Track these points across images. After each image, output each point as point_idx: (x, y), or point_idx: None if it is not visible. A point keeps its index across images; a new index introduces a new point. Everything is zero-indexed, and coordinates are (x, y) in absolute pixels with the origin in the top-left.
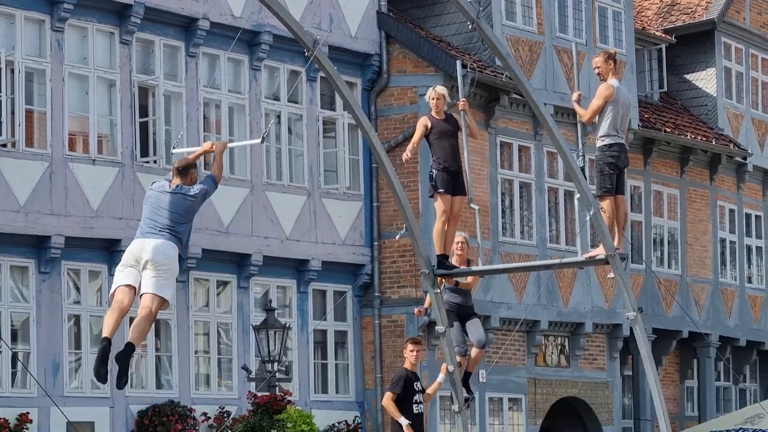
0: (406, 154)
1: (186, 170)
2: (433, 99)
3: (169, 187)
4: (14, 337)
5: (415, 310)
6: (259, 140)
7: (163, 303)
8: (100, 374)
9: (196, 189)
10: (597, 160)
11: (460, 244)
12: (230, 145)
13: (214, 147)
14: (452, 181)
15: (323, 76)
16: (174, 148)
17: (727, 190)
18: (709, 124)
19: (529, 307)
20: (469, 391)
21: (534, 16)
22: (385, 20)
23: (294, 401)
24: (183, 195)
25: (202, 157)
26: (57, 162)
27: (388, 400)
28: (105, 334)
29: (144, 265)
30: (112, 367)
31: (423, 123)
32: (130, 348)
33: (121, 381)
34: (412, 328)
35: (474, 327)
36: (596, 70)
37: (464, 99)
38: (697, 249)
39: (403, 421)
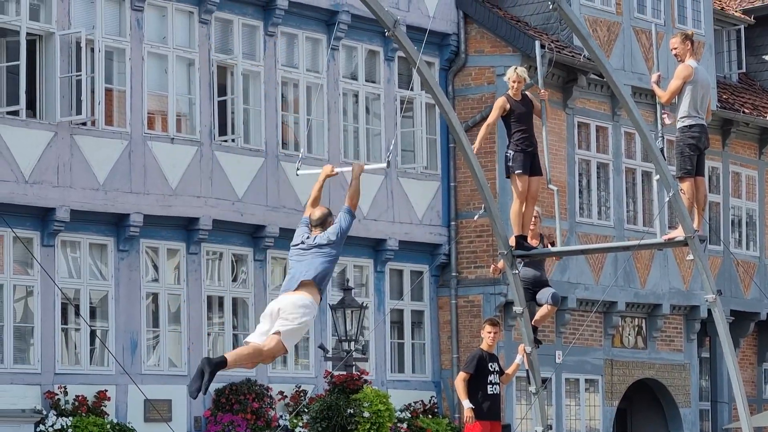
0: (476, 145)
1: (324, 223)
2: (513, 81)
3: (307, 236)
4: (93, 315)
5: (491, 267)
6: (384, 164)
7: (281, 347)
8: (192, 390)
9: (331, 234)
10: (677, 141)
11: (533, 219)
12: (368, 167)
13: (334, 171)
14: (529, 162)
15: (401, 55)
16: (298, 169)
17: None
18: None
19: (607, 289)
20: (537, 340)
21: None
22: (463, 0)
23: (370, 381)
24: (317, 251)
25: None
26: (136, 141)
27: (460, 380)
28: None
29: (276, 315)
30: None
31: (501, 105)
32: (221, 361)
33: (196, 389)
34: (488, 308)
35: (546, 289)
36: (674, 51)
37: (545, 90)
38: None
39: (466, 404)
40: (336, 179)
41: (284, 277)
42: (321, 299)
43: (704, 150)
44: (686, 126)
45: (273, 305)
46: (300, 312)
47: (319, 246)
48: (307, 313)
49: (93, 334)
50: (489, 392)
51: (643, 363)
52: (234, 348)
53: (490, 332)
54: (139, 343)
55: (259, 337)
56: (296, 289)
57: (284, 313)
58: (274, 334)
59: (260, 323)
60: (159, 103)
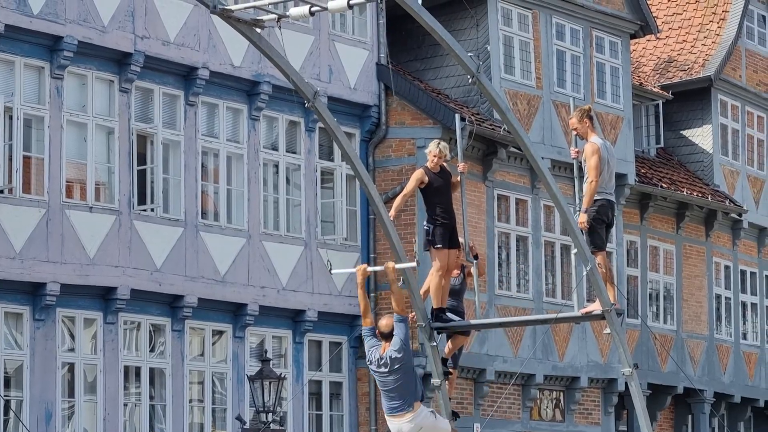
0: (392, 213)
1: (390, 335)
2: (434, 156)
3: (379, 356)
4: (7, 384)
5: (410, 316)
6: (414, 263)
7: None
8: None
9: (396, 352)
10: (588, 216)
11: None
12: (398, 266)
13: (368, 270)
14: (448, 235)
15: (322, 126)
16: (331, 268)
17: (722, 246)
18: (705, 180)
19: (525, 361)
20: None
21: (533, 70)
22: (384, 72)
23: None
24: (393, 370)
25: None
26: (54, 209)
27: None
28: None
29: None
30: None
31: (418, 177)
32: None
33: None
34: None
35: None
36: (574, 132)
37: (465, 163)
38: (693, 305)
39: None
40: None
41: (202, 347)
42: (423, 398)
43: (612, 224)
44: (594, 201)
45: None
46: (430, 420)
47: (393, 367)
48: (428, 424)
49: (7, 404)
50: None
51: None
52: (151, 419)
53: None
54: (54, 413)
55: None
56: (401, 413)
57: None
58: None
59: None
60: (78, 171)
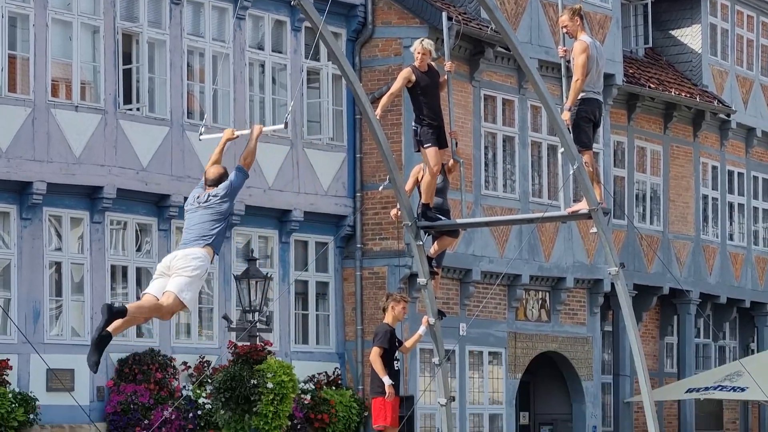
0: (378, 111)
1: (218, 183)
2: (419, 53)
3: (198, 196)
4: None
5: (392, 212)
6: (282, 125)
7: (178, 303)
8: (91, 362)
9: (220, 189)
10: (571, 114)
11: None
12: (265, 129)
13: (235, 134)
14: (436, 135)
15: (308, 26)
16: (201, 134)
17: (710, 146)
18: (693, 81)
19: (511, 261)
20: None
21: None
22: None
23: (274, 352)
24: (207, 206)
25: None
26: (39, 108)
27: (375, 355)
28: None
29: (170, 269)
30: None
31: (405, 76)
32: (121, 311)
33: (95, 363)
34: (393, 280)
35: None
36: (564, 30)
37: (451, 62)
38: (680, 205)
39: (387, 381)
40: (240, 144)
41: None
42: (215, 255)
43: (599, 123)
44: (581, 99)
45: (167, 259)
46: (192, 264)
47: (207, 202)
48: (200, 265)
49: None
50: (395, 368)
51: (546, 336)
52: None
53: (404, 308)
54: (41, 312)
55: (156, 291)
56: (186, 247)
57: (176, 266)
58: (169, 291)
59: (155, 278)
60: (63, 70)
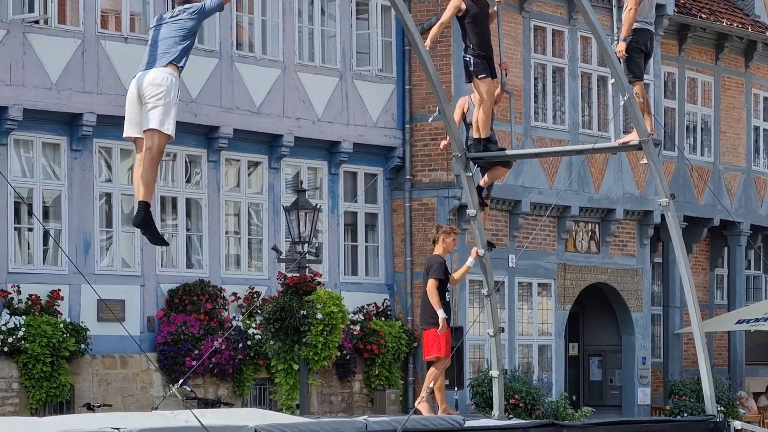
0: (428, 42)
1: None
2: None
3: (167, 13)
4: (46, 215)
5: (442, 143)
6: None
7: (163, 140)
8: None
9: (191, 6)
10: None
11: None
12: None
13: None
14: (488, 65)
15: None
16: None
17: (762, 77)
18: (745, 11)
19: (560, 193)
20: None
21: None
22: None
23: (324, 283)
24: (174, 20)
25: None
26: (89, 40)
27: (432, 287)
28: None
29: (140, 101)
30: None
31: (456, 4)
32: (144, 208)
33: (158, 240)
34: (442, 211)
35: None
36: None
37: None
38: (730, 137)
39: (441, 314)
40: None
41: (237, 178)
42: (180, 72)
43: (650, 54)
44: (633, 30)
45: (132, 88)
46: (160, 91)
47: (176, 17)
48: (168, 89)
49: (46, 233)
50: (446, 299)
51: (595, 267)
52: (188, 250)
53: (454, 240)
54: (92, 243)
55: (134, 128)
56: (150, 66)
57: (146, 98)
58: (151, 129)
59: (126, 111)
60: (112, 2)
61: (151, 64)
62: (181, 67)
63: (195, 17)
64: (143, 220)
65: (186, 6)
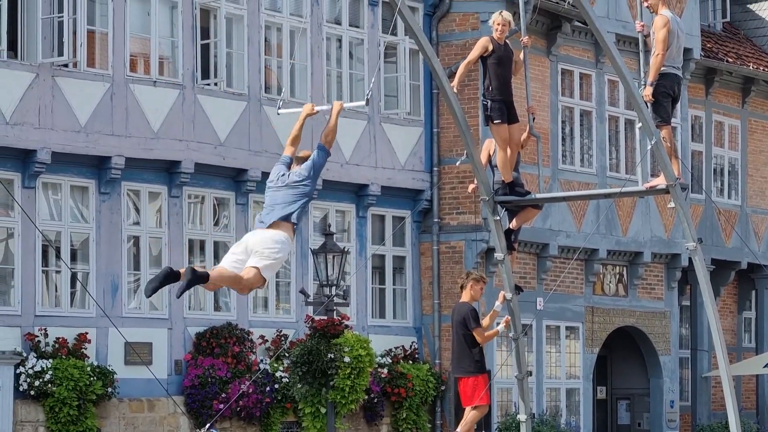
0: (455, 83)
1: (305, 159)
2: (498, 24)
3: (283, 174)
4: (74, 257)
5: (470, 186)
6: (363, 102)
7: (259, 279)
8: (148, 289)
9: (303, 170)
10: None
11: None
12: (346, 105)
13: (315, 109)
14: (506, 110)
15: (385, 0)
16: (279, 108)
17: None
18: None
19: (588, 236)
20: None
21: None
22: None
23: (351, 326)
24: (291, 186)
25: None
26: (118, 83)
27: (482, 335)
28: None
29: (250, 249)
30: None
31: (483, 44)
32: (203, 275)
33: (152, 289)
34: (470, 254)
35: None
36: (646, 4)
37: (528, 37)
38: (758, 180)
39: (501, 327)
40: (318, 119)
41: None
42: (294, 236)
43: (678, 99)
44: (661, 75)
45: (248, 238)
46: (276, 248)
47: (293, 182)
48: (283, 249)
49: (74, 276)
50: (479, 346)
51: (623, 310)
52: (215, 293)
53: (482, 288)
54: (120, 286)
55: (232, 264)
56: (270, 227)
57: (260, 248)
58: (252, 266)
59: (232, 252)
60: (141, 45)
61: (268, 223)
62: (297, 224)
63: (310, 181)
64: (185, 286)
65: (300, 172)
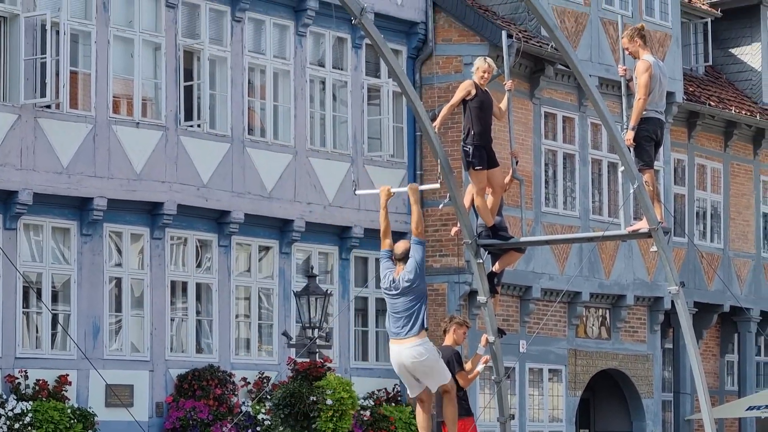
0: (437, 123)
1: (406, 258)
2: (484, 72)
3: (392, 279)
4: (55, 299)
5: (453, 229)
6: (437, 184)
7: (447, 386)
8: None
9: (409, 273)
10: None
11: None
12: (422, 188)
13: (392, 191)
14: (486, 156)
15: (369, 43)
16: (356, 188)
17: None
18: (753, 99)
19: (571, 279)
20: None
21: None
22: None
23: (334, 368)
24: (404, 292)
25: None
26: (100, 124)
27: (466, 378)
28: None
29: (412, 374)
30: None
31: (466, 87)
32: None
33: None
34: (453, 297)
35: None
36: (627, 52)
37: (511, 80)
38: (740, 223)
39: (482, 351)
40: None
41: (248, 263)
42: (427, 328)
43: (660, 143)
44: (644, 119)
45: (399, 363)
46: (428, 362)
47: (405, 288)
48: (430, 356)
49: (55, 318)
50: (463, 390)
51: (606, 353)
52: (198, 335)
53: (465, 333)
54: (101, 327)
55: (416, 390)
56: (405, 337)
57: (421, 374)
58: (440, 386)
59: (403, 380)
60: (124, 87)
61: (403, 333)
62: (427, 329)
63: (419, 281)
64: None
65: (407, 276)
